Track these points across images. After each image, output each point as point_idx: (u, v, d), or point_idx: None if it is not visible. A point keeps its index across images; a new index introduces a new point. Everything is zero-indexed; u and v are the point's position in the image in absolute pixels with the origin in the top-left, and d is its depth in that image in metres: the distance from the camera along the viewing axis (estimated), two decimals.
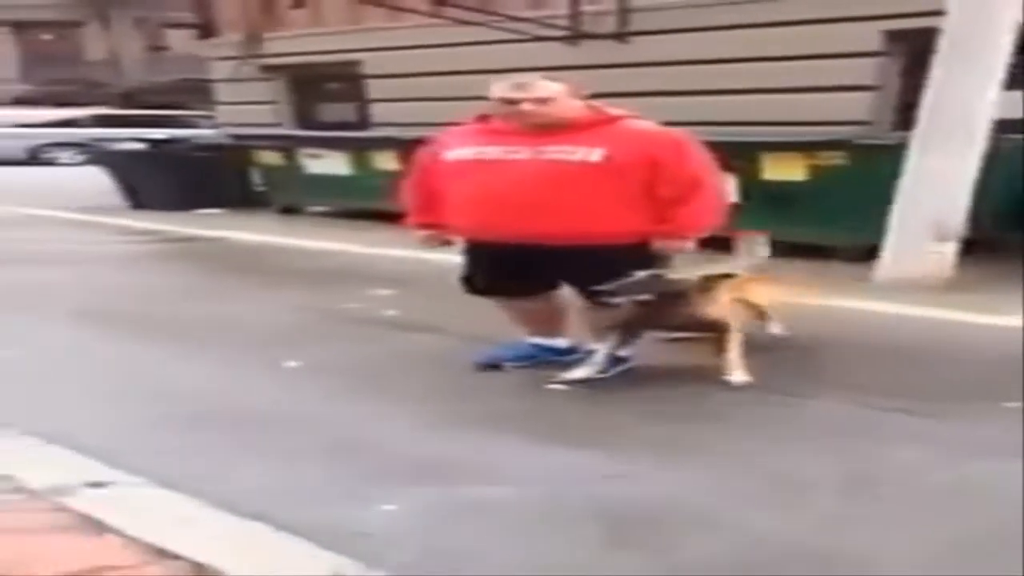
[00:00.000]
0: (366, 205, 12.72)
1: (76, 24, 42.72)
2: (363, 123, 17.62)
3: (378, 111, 17.56)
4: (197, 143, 15.97)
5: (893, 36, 12.54)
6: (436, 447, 4.37)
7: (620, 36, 14.56)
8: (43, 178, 21.11)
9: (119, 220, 13.53)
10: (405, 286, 8.29)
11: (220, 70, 19.88)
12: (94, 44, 42.90)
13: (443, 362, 5.86)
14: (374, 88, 17.69)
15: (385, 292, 8.05)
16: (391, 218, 11.83)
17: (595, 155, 5.09)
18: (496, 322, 5.86)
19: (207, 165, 14.68)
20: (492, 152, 5.23)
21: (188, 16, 23.32)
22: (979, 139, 8.26)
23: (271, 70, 18.95)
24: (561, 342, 5.75)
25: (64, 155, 26.14)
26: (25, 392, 5.31)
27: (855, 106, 12.66)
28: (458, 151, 5.35)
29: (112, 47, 42.42)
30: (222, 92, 20.16)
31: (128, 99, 36.55)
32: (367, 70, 17.70)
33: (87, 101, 33.08)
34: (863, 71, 12.82)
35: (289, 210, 14.09)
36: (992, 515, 3.59)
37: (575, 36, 14.81)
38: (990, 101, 8.15)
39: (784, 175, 9.71)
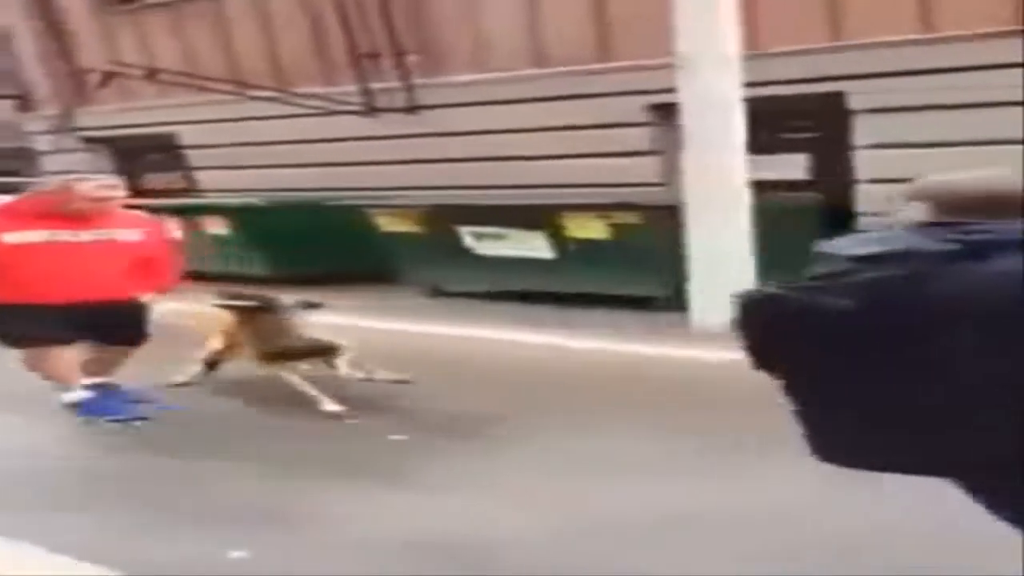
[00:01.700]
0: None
1: None
2: (194, 191, 18.73)
3: (205, 179, 18.72)
4: None
5: (656, 108, 13.68)
6: None
7: (410, 110, 16.08)
8: None
9: None
10: None
11: (43, 142, 20.94)
12: None
13: None
14: (194, 158, 19.00)
15: None
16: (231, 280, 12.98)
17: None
18: None
19: None
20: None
21: (6, 88, 24.04)
22: (742, 200, 9.61)
23: (92, 142, 20.03)
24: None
25: None
26: None
27: (647, 169, 13.87)
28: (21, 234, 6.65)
29: None
30: (46, 162, 20.87)
31: None
32: (184, 141, 19.01)
33: None
34: (642, 138, 14.10)
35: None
36: None
37: (369, 111, 16.32)
38: (738, 166, 9.59)
39: (588, 234, 10.96)
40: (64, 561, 4.63)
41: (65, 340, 6.84)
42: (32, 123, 21.51)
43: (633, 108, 14.00)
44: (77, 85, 19.88)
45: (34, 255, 6.63)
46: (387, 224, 12.48)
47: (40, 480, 5.97)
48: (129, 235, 6.92)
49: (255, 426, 7.01)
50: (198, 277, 13.38)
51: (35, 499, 5.63)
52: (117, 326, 6.92)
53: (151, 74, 17.45)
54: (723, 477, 5.45)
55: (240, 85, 16.60)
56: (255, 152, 17.32)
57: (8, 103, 25.71)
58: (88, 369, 7.08)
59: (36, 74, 21.00)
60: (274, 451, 6.31)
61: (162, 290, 7.19)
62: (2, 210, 6.89)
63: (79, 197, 6.69)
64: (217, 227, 14.13)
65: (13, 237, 6.63)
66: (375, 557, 4.60)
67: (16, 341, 6.85)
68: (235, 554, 4.66)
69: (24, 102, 22.19)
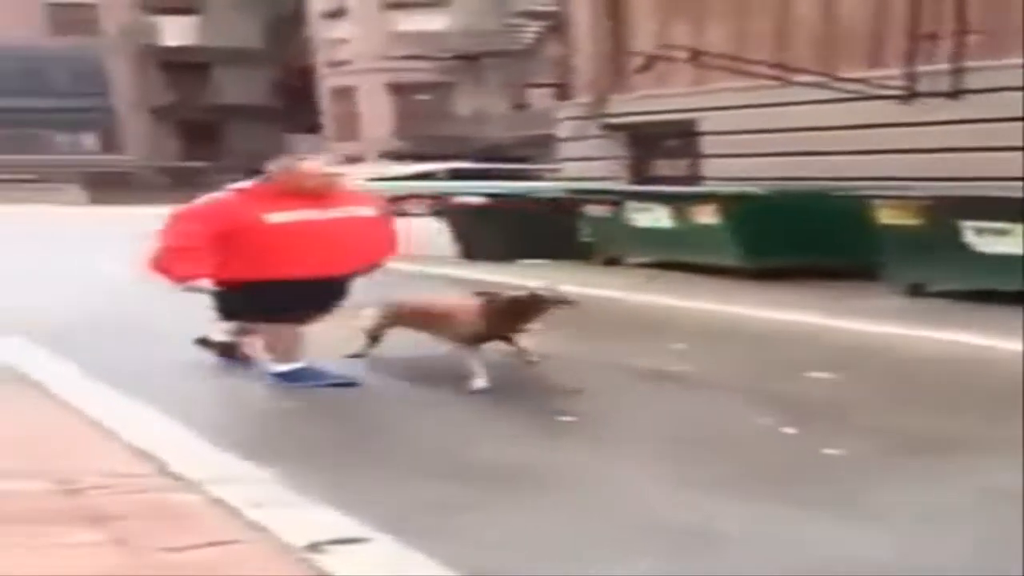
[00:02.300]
0: (685, 258, 13.04)
1: (449, 85, 44.92)
2: (697, 178, 17.88)
3: (710, 167, 17.78)
4: (531, 196, 16.44)
5: None
6: None
7: (954, 94, 14.47)
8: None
9: (440, 270, 14.00)
10: (704, 341, 8.42)
11: (567, 128, 20.81)
12: (463, 103, 44.96)
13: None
14: (708, 145, 17.99)
15: (679, 346, 8.09)
16: (710, 272, 12.15)
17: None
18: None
19: (538, 217, 15.05)
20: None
21: (549, 77, 24.39)
22: None
23: (613, 128, 19.57)
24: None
25: (414, 207, 27.29)
26: None
27: None
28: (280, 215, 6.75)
29: (479, 105, 44.29)
30: (565, 149, 21.00)
31: (489, 153, 37.97)
32: (703, 128, 18.04)
33: (453, 155, 34.55)
34: None
35: (612, 261, 14.22)
36: None
37: (910, 95, 14.85)
38: None
39: None
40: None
41: (313, 314, 7.03)
42: (564, 110, 21.55)
43: None
44: (617, 71, 19.52)
45: (296, 233, 6.78)
46: (886, 216, 11.08)
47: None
48: (366, 211, 7.23)
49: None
50: (670, 266, 13.13)
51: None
52: (338, 297, 7.14)
53: (694, 56, 16.64)
54: None
55: (783, 69, 15.58)
56: (773, 139, 16.34)
57: (545, 93, 26.20)
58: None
59: (583, 60, 20.87)
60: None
61: (386, 261, 7.44)
62: (254, 192, 6.95)
63: (311, 175, 6.93)
64: (707, 216, 12.85)
65: (277, 217, 6.78)
66: None
67: (273, 316, 6.89)
68: None
69: (562, 90, 22.28)
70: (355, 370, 7.08)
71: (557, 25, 23.42)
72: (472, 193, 16.72)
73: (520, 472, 4.88)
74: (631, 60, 18.61)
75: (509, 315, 6.81)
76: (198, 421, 5.51)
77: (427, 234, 16.76)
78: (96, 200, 40.01)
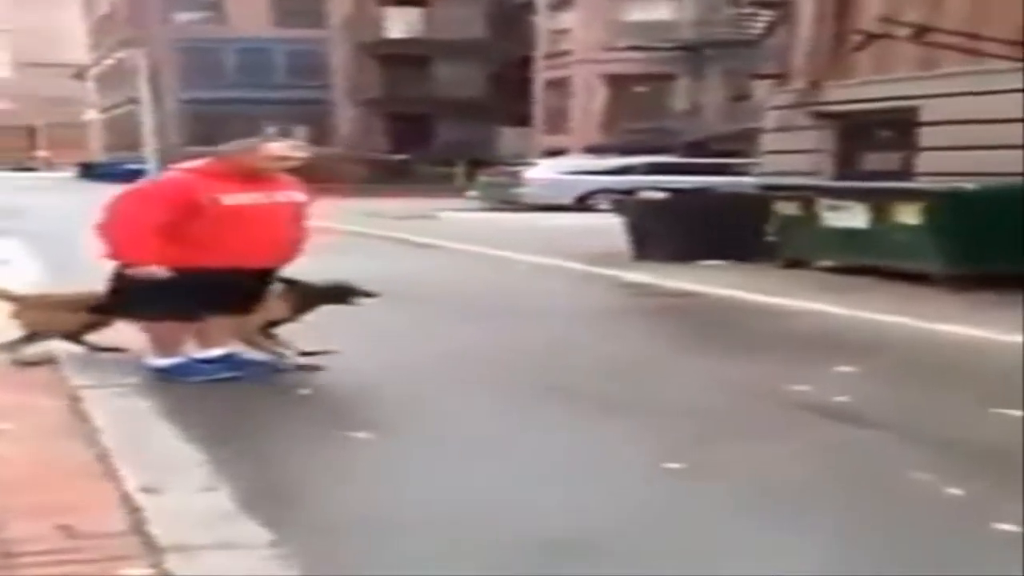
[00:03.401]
0: (879, 262, 11.30)
1: (669, 77, 43.53)
2: (907, 173, 15.93)
3: (925, 161, 15.77)
4: (716, 193, 15.02)
5: None
6: None
7: None
8: (566, 224, 20.85)
9: (612, 271, 12.69)
10: (875, 361, 6.98)
11: (774, 119, 19.14)
12: (681, 95, 43.52)
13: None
14: (926, 136, 15.98)
15: (847, 369, 6.62)
16: (908, 278, 10.44)
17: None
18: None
19: (720, 215, 13.50)
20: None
21: (774, 68, 22.63)
22: None
23: (823, 118, 17.80)
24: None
25: (604, 202, 25.92)
26: None
27: None
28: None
29: (696, 98, 42.77)
30: (769, 141, 19.32)
31: (696, 147, 36.44)
32: (923, 117, 16.03)
33: (661, 149, 33.21)
34: None
35: (796, 264, 12.57)
36: None
37: None
38: None
39: None
40: None
41: (255, 305, 6.53)
42: (774, 99, 19.77)
43: None
44: (836, 53, 17.71)
45: (248, 217, 6.28)
46: None
47: None
48: (299, 196, 6.62)
49: None
50: (865, 271, 11.44)
51: None
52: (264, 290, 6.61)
53: (919, 34, 14.77)
54: None
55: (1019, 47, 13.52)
56: (1006, 130, 14.27)
57: (769, 84, 24.41)
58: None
59: (802, 43, 19.07)
60: None
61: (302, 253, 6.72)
62: (206, 171, 6.41)
63: (265, 157, 6.42)
64: (908, 215, 11.02)
65: (232, 199, 6.25)
66: None
67: (214, 309, 6.39)
68: None
69: (782, 77, 20.33)
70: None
71: (788, 13, 21.62)
72: (650, 188, 15.30)
73: None
74: (852, 41, 16.90)
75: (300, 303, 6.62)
76: None
77: (605, 233, 15.49)
78: None
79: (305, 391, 6.08)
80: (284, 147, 6.66)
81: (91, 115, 68.66)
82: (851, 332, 8.42)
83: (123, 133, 54.17)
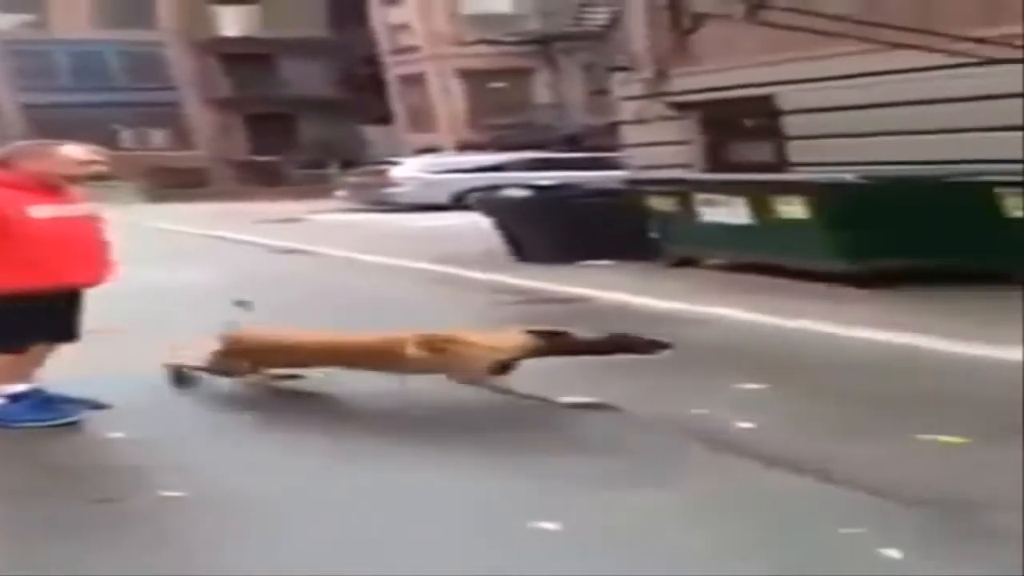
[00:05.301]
0: (772, 259, 11.18)
1: (526, 71, 43.33)
2: (782, 164, 15.74)
3: (796, 151, 15.60)
4: (583, 189, 14.79)
5: None
6: None
7: None
8: (442, 225, 20.44)
9: (488, 276, 12.36)
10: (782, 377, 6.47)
11: (629, 110, 18.57)
12: (542, 90, 43.41)
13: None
14: (791, 125, 15.76)
15: (752, 387, 6.13)
16: (805, 276, 10.25)
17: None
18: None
19: (597, 213, 13.24)
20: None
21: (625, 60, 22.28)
22: None
23: (680, 108, 17.30)
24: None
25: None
26: None
27: None
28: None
29: (559, 92, 42.71)
30: (629, 134, 18.98)
31: (571, 142, 36.45)
32: (784, 105, 15.79)
33: (533, 145, 33.10)
34: None
35: (685, 262, 12.34)
36: None
37: None
38: None
39: None
40: None
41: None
42: (623, 89, 19.13)
43: None
44: (675, 39, 17.01)
45: (63, 232, 5.75)
46: (1015, 207, 9.36)
47: None
48: (97, 209, 6.13)
49: None
50: (756, 269, 11.19)
51: None
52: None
53: (751, 12, 13.71)
54: None
55: (872, 28, 12.91)
56: (868, 116, 14.10)
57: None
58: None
59: (642, 30, 18.49)
60: None
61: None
62: (6, 181, 5.76)
63: (67, 163, 5.91)
64: (793, 210, 10.89)
65: (43, 212, 5.72)
66: None
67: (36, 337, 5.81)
68: None
69: (631, 70, 19.78)
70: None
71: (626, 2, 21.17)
72: (517, 185, 15.02)
73: None
74: (690, 24, 16.15)
75: None
76: None
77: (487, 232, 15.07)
78: (164, 198, 38.86)
79: None
80: (84, 151, 6.09)
81: None
82: (757, 341, 8.09)
83: None
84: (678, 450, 5.13)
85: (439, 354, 5.95)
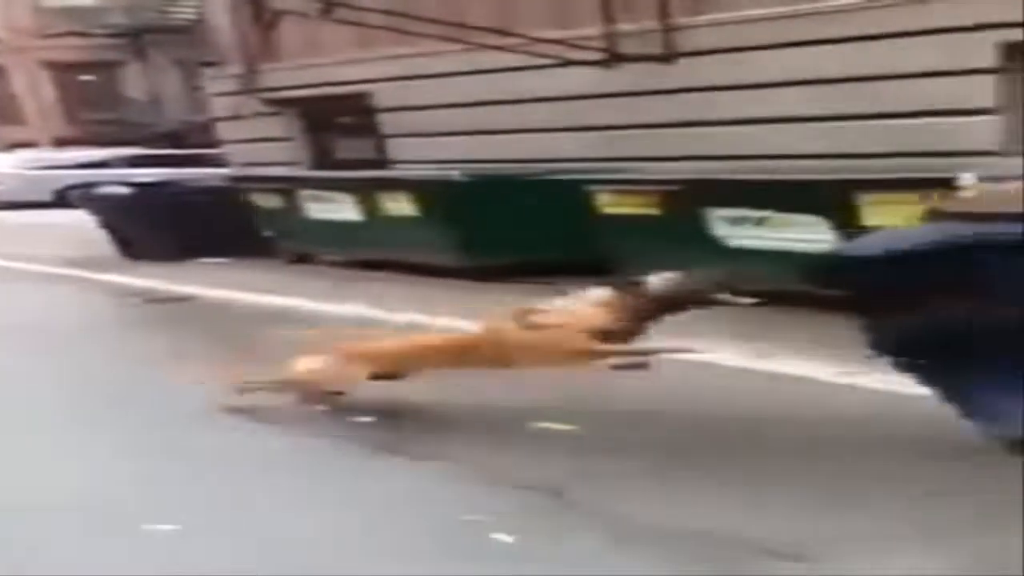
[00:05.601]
0: (389, 255, 11.67)
1: (116, 64, 41.99)
2: (384, 162, 16.16)
3: (395, 148, 16.10)
4: (184, 186, 14.83)
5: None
6: None
7: (668, 58, 12.65)
8: (45, 223, 19.84)
9: (103, 276, 12.30)
10: None
11: (223, 106, 18.46)
12: (135, 84, 42.19)
13: None
14: (387, 123, 16.24)
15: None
16: (406, 269, 10.84)
17: None
18: None
19: (205, 210, 13.41)
20: None
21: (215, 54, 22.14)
22: None
23: (276, 105, 17.48)
24: None
25: None
26: None
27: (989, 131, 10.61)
28: None
29: (152, 87, 41.69)
30: (225, 130, 18.83)
31: (171, 138, 35.69)
32: (379, 103, 16.24)
33: (132, 141, 32.19)
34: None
35: (302, 259, 12.73)
36: None
37: (613, 59, 12.97)
38: None
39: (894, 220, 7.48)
40: None
41: None
42: (214, 85, 18.93)
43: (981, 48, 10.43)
44: (261, 32, 17.04)
45: None
46: (611, 205, 9.69)
47: None
48: None
49: None
50: (374, 266, 11.52)
51: None
52: None
53: (326, 10, 13.80)
54: None
55: (447, 28, 13.37)
56: (457, 114, 14.65)
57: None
58: None
59: (226, 25, 18.43)
60: None
61: None
62: None
63: None
64: (401, 207, 11.45)
65: None
66: None
67: None
68: None
69: (221, 65, 19.39)
70: None
71: None
72: (119, 182, 14.93)
73: None
74: (265, 21, 16.50)
75: None
76: None
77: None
78: None
79: None
80: None
81: None
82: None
83: None
84: None
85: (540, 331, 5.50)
